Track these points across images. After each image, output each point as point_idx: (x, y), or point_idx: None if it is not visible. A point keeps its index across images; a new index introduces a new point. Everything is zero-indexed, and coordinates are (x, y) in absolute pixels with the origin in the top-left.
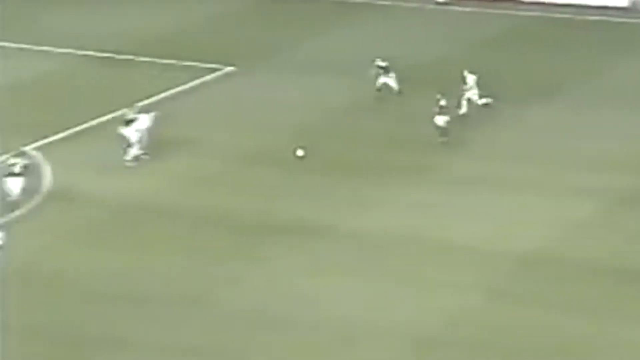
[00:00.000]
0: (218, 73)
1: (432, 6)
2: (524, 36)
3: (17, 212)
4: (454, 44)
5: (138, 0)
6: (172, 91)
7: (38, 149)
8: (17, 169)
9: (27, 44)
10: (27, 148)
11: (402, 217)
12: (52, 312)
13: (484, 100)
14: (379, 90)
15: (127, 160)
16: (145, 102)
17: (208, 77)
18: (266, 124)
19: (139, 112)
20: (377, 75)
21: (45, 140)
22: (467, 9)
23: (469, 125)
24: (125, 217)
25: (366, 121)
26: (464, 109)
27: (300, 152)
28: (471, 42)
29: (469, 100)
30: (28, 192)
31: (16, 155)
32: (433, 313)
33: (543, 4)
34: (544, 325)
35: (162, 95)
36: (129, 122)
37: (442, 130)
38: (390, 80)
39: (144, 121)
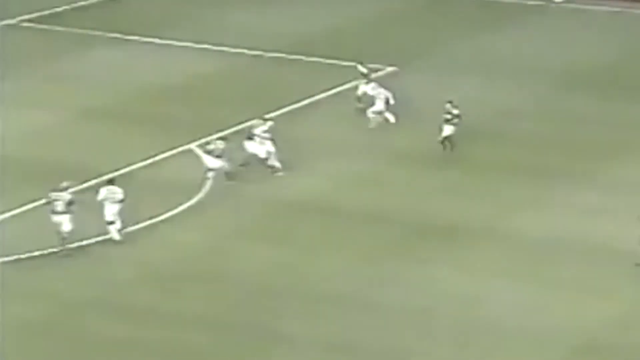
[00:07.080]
0: (380, 73)
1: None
2: None
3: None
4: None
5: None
6: (334, 91)
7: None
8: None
9: (208, 43)
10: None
11: (563, 221)
12: (218, 305)
13: None
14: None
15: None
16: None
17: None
18: (423, 124)
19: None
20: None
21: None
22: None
23: None
24: (287, 215)
25: (526, 123)
26: None
27: None
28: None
29: None
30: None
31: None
32: (591, 318)
33: None
34: None
35: (324, 95)
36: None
37: None
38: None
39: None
